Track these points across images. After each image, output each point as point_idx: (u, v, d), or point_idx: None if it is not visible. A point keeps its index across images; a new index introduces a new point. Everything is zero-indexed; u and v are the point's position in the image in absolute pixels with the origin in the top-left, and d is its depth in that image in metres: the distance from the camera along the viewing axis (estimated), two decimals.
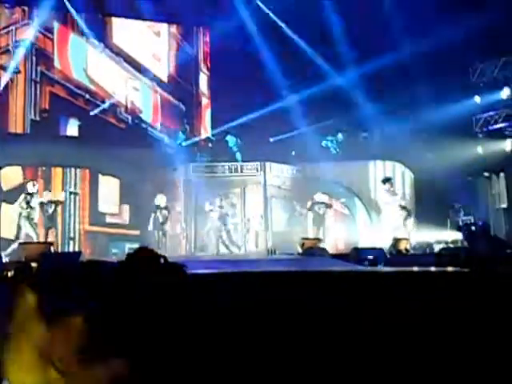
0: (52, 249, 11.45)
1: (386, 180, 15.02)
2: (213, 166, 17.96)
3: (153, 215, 16.62)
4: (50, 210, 15.48)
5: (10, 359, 0.88)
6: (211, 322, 3.79)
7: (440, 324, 4.38)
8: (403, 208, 16.28)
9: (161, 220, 16.50)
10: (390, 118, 17.71)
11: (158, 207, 16.63)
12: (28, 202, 15.02)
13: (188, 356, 2.92)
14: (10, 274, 8.01)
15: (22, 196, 15.22)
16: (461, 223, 15.47)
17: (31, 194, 15.21)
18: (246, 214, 17.28)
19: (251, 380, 3.87)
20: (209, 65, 23.41)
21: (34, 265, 8.92)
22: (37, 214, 15.21)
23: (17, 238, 15.66)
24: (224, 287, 4.80)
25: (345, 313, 4.50)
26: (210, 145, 21.06)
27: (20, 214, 15.20)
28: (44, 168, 17.41)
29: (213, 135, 22.04)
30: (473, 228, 12.95)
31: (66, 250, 16.46)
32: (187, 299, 2.96)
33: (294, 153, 20.15)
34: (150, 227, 16.49)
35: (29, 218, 14.96)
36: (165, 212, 16.59)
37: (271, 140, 19.65)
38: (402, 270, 8.25)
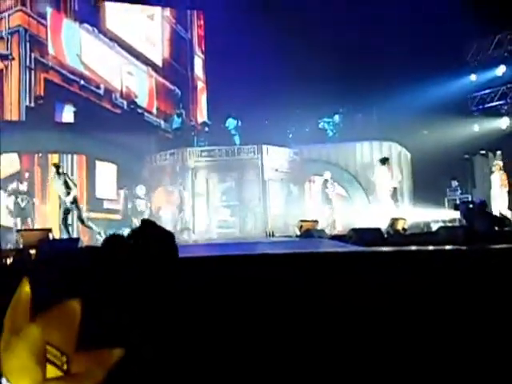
0: (50, 236, 11.42)
1: (385, 160, 15.04)
2: (210, 149, 17.93)
3: (130, 204, 17.14)
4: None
5: (6, 358, 0.87)
6: (208, 302, 3.81)
7: (441, 299, 4.41)
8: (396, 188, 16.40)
9: (139, 209, 16.97)
10: (385, 98, 17.68)
11: (137, 197, 17.11)
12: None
13: (182, 338, 2.96)
14: (8, 261, 8.04)
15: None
16: (458, 201, 15.50)
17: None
18: (244, 197, 17.29)
19: (244, 359, 3.90)
20: (203, 48, 23.32)
21: (32, 252, 8.94)
22: None
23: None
24: (222, 269, 4.82)
25: (344, 292, 4.53)
26: (206, 129, 21.02)
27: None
28: (40, 155, 17.38)
29: (209, 119, 22.01)
30: (470, 206, 12.95)
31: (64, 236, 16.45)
32: (171, 282, 3.00)
33: (291, 135, 20.16)
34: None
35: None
36: (142, 201, 17.07)
37: (267, 122, 19.65)
38: (400, 250, 8.29)
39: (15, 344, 0.88)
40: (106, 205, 18.04)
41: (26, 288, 0.94)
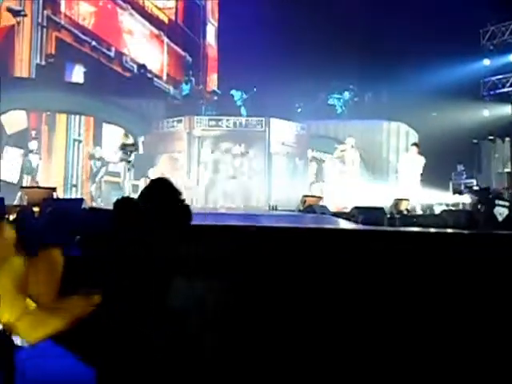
0: (54, 195, 11.47)
1: (416, 144, 15.48)
2: (217, 119, 17.89)
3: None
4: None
5: None
6: (206, 270, 3.84)
7: (441, 283, 4.43)
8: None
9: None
10: (396, 78, 17.58)
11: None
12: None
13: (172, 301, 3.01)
14: (11, 217, 8.08)
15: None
16: (462, 186, 15.48)
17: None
18: (249, 169, 17.29)
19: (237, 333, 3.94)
20: (217, 16, 23.14)
21: (36, 209, 8.98)
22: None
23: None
24: (221, 239, 4.85)
25: (341, 269, 4.55)
26: (215, 98, 20.95)
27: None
28: (48, 114, 17.35)
29: (218, 88, 21.92)
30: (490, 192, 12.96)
31: (69, 196, 16.52)
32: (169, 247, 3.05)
33: (299, 110, 20.09)
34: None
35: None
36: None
37: (276, 94, 19.58)
38: (401, 231, 8.31)
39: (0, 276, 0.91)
40: (110, 168, 18.02)
41: (9, 228, 0.97)
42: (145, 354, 2.74)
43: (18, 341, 0.94)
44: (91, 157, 17.42)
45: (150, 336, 2.74)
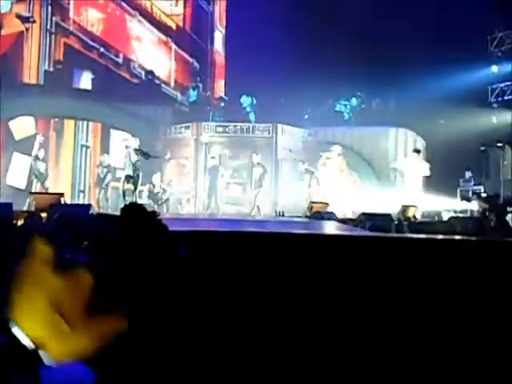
0: (62, 200, 11.52)
1: (418, 151, 15.46)
2: (224, 125, 17.92)
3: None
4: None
5: (20, 306, 0.88)
6: (210, 274, 3.84)
7: (448, 289, 4.41)
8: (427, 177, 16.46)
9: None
10: (404, 84, 17.56)
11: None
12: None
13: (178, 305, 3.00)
14: (20, 222, 8.11)
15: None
16: (470, 193, 15.45)
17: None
18: (256, 175, 17.28)
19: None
20: (225, 23, 23.19)
21: (43, 215, 9.02)
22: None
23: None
24: (228, 245, 4.85)
25: (347, 275, 4.54)
26: (222, 104, 20.98)
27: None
28: (56, 120, 17.41)
29: (225, 95, 21.96)
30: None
31: (76, 202, 16.56)
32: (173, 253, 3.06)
33: (307, 116, 20.10)
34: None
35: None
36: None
37: (283, 101, 19.61)
38: (408, 237, 8.29)
39: (33, 290, 0.89)
40: (118, 174, 18.05)
41: (44, 243, 0.94)
42: (150, 357, 2.73)
43: (44, 358, 0.92)
44: (99, 165, 17.42)
45: (155, 340, 2.74)
